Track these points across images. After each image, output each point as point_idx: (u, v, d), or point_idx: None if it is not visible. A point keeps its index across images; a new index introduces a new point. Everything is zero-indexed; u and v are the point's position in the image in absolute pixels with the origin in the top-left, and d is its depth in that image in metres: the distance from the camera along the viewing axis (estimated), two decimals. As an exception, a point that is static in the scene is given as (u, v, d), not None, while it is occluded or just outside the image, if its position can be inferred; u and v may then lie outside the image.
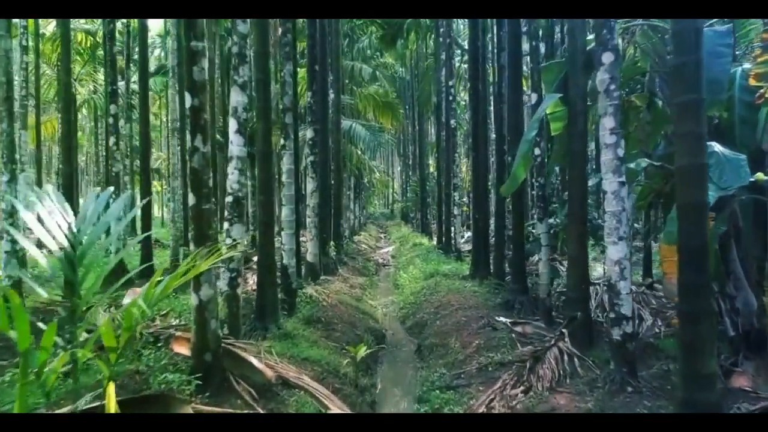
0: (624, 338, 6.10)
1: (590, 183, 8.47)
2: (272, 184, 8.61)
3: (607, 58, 6.20)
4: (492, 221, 14.41)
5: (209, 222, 5.17)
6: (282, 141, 9.39)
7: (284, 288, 9.22)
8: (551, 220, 11.15)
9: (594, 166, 13.04)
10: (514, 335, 8.34)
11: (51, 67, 25.08)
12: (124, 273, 13.04)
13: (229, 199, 6.20)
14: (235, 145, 6.24)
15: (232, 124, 6.27)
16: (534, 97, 9.68)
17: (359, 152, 21.57)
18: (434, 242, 24.17)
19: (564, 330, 7.55)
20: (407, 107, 36.40)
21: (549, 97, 7.83)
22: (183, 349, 5.59)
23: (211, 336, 5.27)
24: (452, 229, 20.03)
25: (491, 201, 15.31)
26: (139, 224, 19.21)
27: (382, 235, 41.09)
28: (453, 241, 18.72)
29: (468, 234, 20.98)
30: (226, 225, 6.18)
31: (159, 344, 5.99)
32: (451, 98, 18.52)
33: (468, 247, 19.33)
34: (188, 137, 5.03)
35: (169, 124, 19.86)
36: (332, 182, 18.50)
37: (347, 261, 18.46)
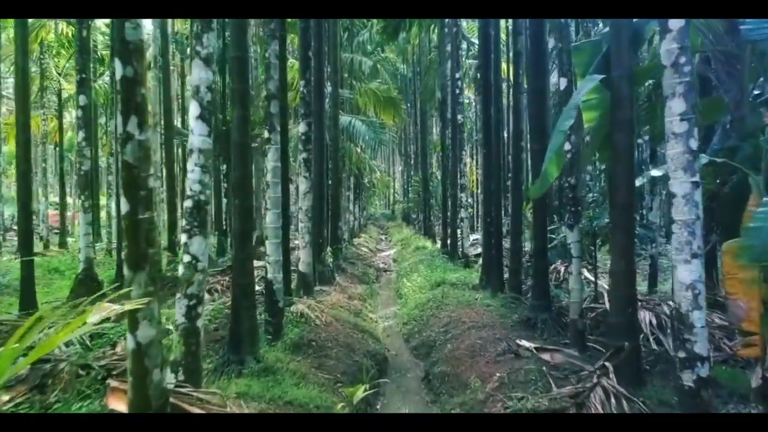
0: (699, 385, 4.71)
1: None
2: (249, 184, 7.24)
3: (676, 23, 4.82)
4: (504, 226, 13.03)
5: (149, 236, 3.78)
6: (266, 134, 7.99)
7: (269, 307, 7.83)
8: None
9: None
10: (543, 366, 6.93)
11: (34, 62, 23.68)
12: (93, 284, 11.68)
13: (188, 203, 4.81)
14: (197, 135, 4.85)
15: (194, 108, 4.88)
16: (563, 82, 8.28)
17: (359, 150, 20.14)
18: (438, 246, 22.81)
19: (607, 364, 6.16)
20: (409, 105, 35.05)
21: (589, 79, 6.44)
22: (120, 405, 4.19)
23: (153, 391, 3.87)
24: (458, 232, 18.66)
25: (505, 203, 13.90)
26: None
27: (383, 237, 39.75)
28: (460, 246, 17.32)
29: (474, 237, 19.57)
30: (183, 237, 4.78)
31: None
32: (458, 91, 17.13)
33: (475, 251, 17.96)
34: (119, 120, 3.64)
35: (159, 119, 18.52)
36: (329, 182, 17.14)
37: (346, 267, 17.08)
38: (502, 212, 13.47)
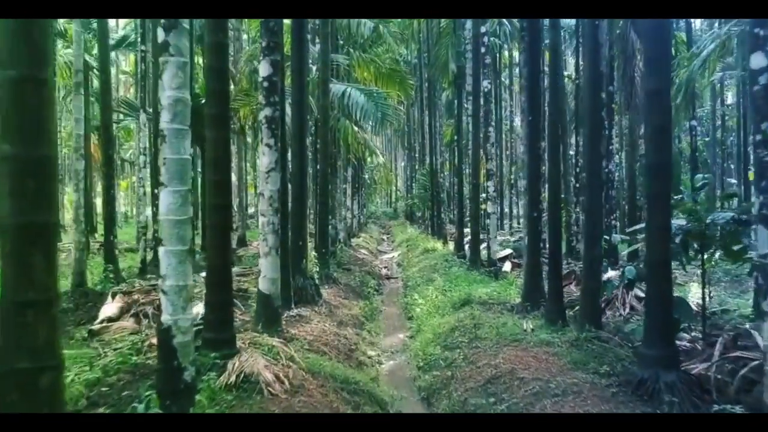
0: None
1: None
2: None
3: None
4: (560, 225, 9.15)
5: None
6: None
7: (162, 380, 3.96)
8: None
9: None
10: None
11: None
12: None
13: None
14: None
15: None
16: None
17: (357, 129, 16.19)
18: (450, 248, 18.94)
19: None
20: (413, 92, 31.04)
21: None
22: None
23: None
24: (481, 233, 14.80)
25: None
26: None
27: (384, 237, 35.97)
28: (488, 251, 13.43)
29: (501, 239, 15.51)
30: None
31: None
32: (483, 49, 13.26)
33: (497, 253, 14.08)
34: None
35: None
36: (318, 167, 13.30)
37: (339, 277, 13.19)
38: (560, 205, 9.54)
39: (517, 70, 34.57)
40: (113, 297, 9.16)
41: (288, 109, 10.62)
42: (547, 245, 8.89)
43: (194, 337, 4.18)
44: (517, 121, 36.90)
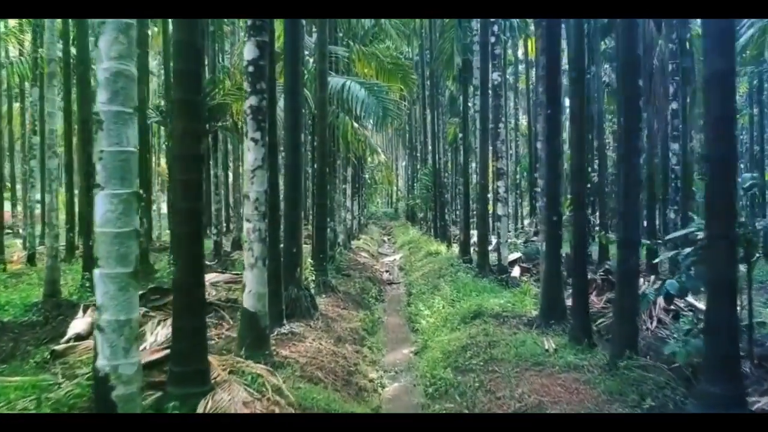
0: None
1: None
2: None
3: None
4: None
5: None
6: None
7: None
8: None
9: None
10: None
11: None
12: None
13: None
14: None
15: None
16: None
17: (356, 125, 15.18)
18: (455, 251, 17.98)
19: None
20: (415, 89, 30.01)
21: None
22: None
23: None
24: (490, 236, 13.85)
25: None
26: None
27: (385, 239, 35.00)
28: (498, 256, 12.47)
29: (511, 241, 14.47)
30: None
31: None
32: (493, 39, 12.30)
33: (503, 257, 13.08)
34: None
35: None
36: (314, 166, 12.34)
37: (338, 284, 12.20)
38: (586, 204, 8.61)
39: (521, 67, 33.67)
40: (85, 310, 8.20)
41: (280, 103, 9.66)
42: (574, 253, 7.91)
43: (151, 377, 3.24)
44: (523, 121, 35.96)
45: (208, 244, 17.33)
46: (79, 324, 7.76)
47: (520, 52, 32.05)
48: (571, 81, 8.43)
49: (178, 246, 4.56)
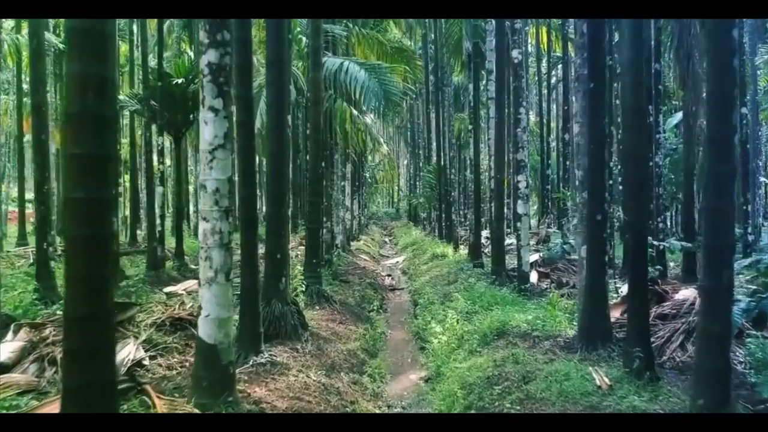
0: None
1: None
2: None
3: None
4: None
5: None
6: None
7: None
8: None
9: None
10: None
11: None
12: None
13: None
14: None
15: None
16: None
17: (355, 112, 13.51)
18: (464, 253, 16.38)
19: None
20: (419, 78, 28.27)
21: None
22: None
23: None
24: (506, 239, 12.24)
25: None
26: None
27: (387, 240, 33.44)
28: (518, 262, 10.84)
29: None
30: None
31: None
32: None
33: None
34: None
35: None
36: (307, 157, 10.73)
37: (333, 293, 10.58)
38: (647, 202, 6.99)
39: (531, 59, 31.99)
40: (16, 332, 6.60)
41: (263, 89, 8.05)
42: (635, 263, 6.28)
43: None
44: (531, 116, 34.27)
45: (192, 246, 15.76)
46: (5, 350, 6.12)
47: (531, 44, 30.35)
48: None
49: (73, 259, 2.95)
